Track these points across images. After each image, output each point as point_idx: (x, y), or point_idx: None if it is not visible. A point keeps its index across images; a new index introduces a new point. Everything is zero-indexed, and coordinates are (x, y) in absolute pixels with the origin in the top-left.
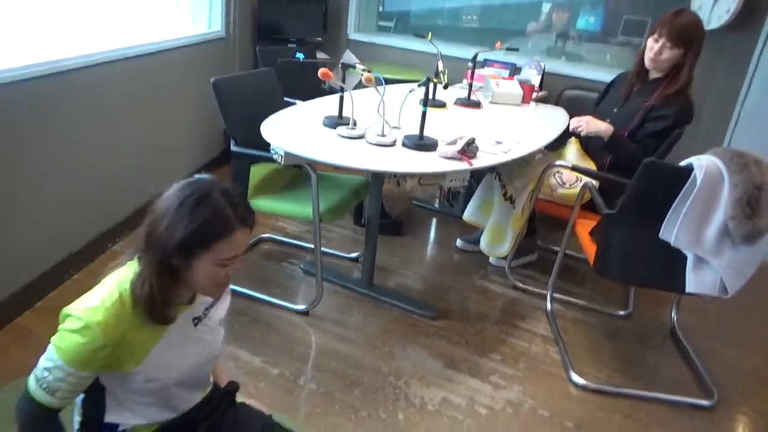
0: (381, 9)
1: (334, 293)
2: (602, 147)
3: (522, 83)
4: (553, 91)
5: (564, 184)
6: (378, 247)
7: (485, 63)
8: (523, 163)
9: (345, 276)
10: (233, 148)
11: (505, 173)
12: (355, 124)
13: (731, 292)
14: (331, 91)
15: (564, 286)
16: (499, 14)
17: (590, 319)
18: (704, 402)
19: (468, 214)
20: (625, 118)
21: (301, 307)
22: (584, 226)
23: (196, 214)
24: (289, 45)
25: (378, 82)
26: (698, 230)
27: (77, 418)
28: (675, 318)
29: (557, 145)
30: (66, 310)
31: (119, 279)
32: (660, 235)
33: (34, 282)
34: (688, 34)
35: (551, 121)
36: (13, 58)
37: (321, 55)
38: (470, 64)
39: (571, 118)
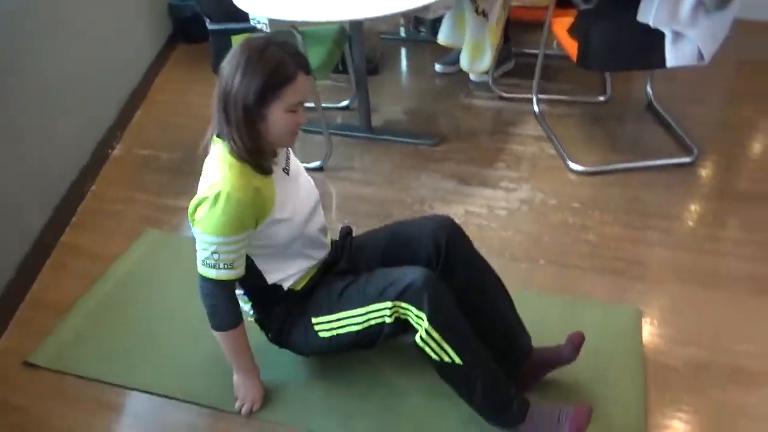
0: None
1: (338, 144)
2: None
3: None
4: None
5: None
6: None
7: None
8: None
9: (344, 126)
10: (210, 26)
11: None
12: None
13: (707, 58)
14: None
15: (545, 86)
16: None
17: (575, 111)
18: (686, 159)
19: (443, 37)
20: None
21: (315, 164)
22: (561, 24)
23: (261, 66)
24: None
25: None
26: (674, 6)
27: (245, 307)
28: (651, 92)
29: None
30: (194, 201)
31: (219, 156)
32: (638, 18)
33: (62, 201)
34: None
35: None
36: None
37: None
38: None
39: None
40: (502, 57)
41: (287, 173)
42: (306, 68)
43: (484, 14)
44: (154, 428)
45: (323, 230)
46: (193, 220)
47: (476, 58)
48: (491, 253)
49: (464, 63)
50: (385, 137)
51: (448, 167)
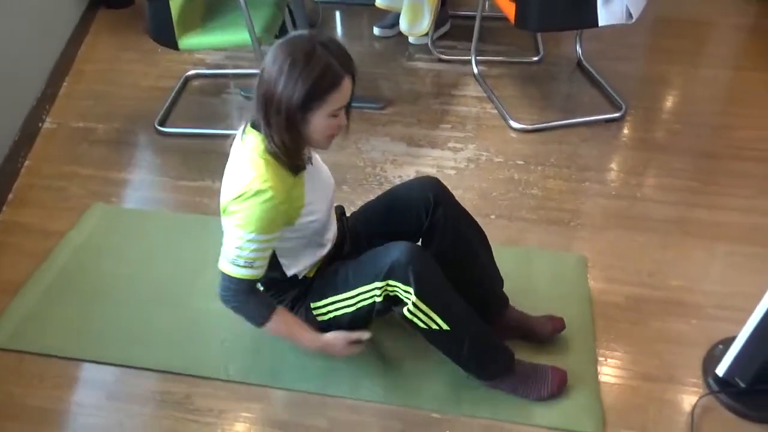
0: None
1: None
2: None
3: None
4: None
5: None
6: None
7: None
8: None
9: None
10: None
11: None
12: None
13: (636, 16)
14: None
15: (481, 47)
16: None
17: (511, 71)
18: (616, 114)
19: (381, 0)
20: None
21: None
22: None
23: (308, 72)
24: None
25: None
26: None
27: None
28: (580, 51)
29: None
30: (227, 198)
31: (252, 150)
32: None
33: None
34: None
35: None
36: None
37: None
38: None
39: None
40: (439, 20)
41: (311, 162)
42: (351, 71)
43: None
44: (128, 398)
45: (333, 217)
46: (228, 212)
47: (415, 21)
48: None
49: (404, 26)
50: None
51: (397, 130)
